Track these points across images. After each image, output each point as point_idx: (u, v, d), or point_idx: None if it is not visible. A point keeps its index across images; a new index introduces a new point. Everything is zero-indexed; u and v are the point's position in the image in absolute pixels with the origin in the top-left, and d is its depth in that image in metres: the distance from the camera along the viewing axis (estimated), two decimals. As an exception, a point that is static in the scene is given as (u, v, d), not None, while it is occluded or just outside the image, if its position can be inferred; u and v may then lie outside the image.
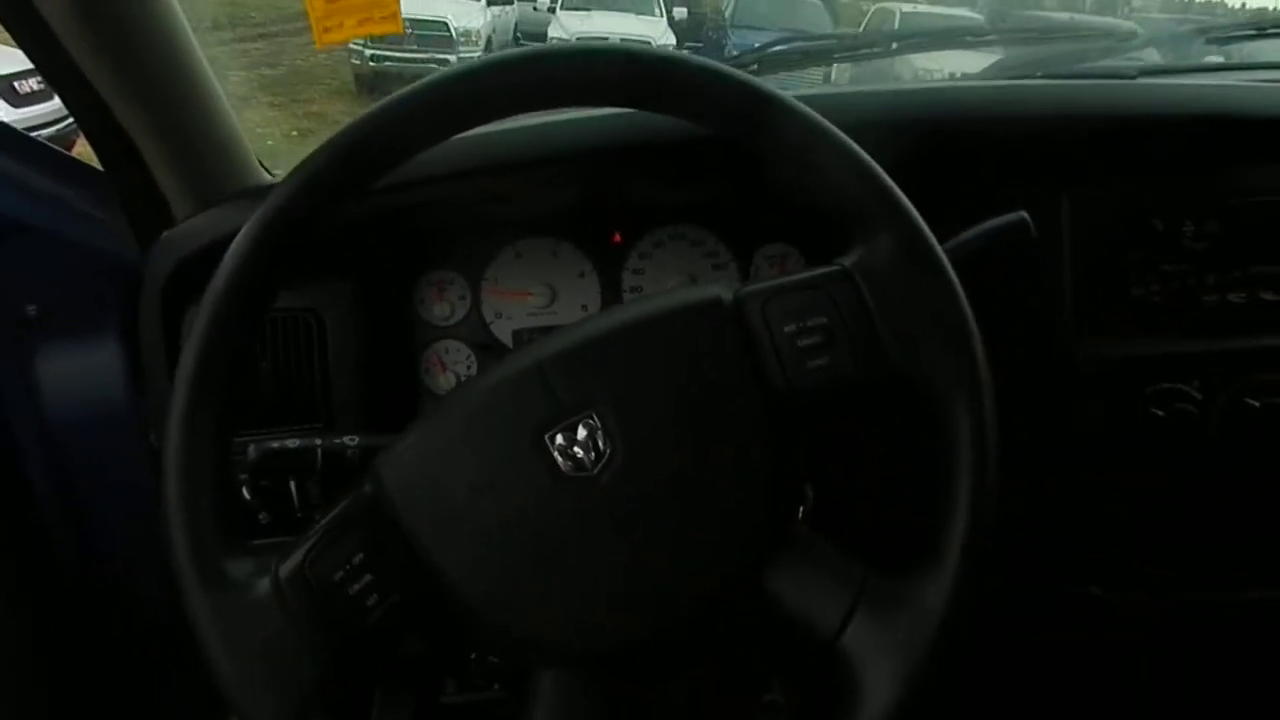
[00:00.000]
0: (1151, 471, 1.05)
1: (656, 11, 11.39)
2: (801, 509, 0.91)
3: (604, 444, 0.65)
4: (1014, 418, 1.05)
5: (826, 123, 0.68)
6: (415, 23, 9.14)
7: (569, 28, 10.17)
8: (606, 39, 9.07)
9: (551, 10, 11.28)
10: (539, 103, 0.69)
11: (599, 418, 0.65)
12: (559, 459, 0.64)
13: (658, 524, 0.65)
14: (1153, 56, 1.42)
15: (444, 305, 1.10)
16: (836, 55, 1.45)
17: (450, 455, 0.65)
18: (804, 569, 0.67)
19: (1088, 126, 1.01)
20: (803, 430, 0.71)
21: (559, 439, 0.64)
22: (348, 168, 0.68)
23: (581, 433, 0.65)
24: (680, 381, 0.67)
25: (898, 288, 0.67)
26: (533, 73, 0.67)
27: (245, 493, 0.83)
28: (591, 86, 0.68)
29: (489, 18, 10.62)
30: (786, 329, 0.68)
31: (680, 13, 11.81)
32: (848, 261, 0.69)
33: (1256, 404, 1.01)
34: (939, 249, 0.67)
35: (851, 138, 0.69)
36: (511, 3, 11.46)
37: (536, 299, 1.10)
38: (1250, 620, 1.14)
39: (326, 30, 1.04)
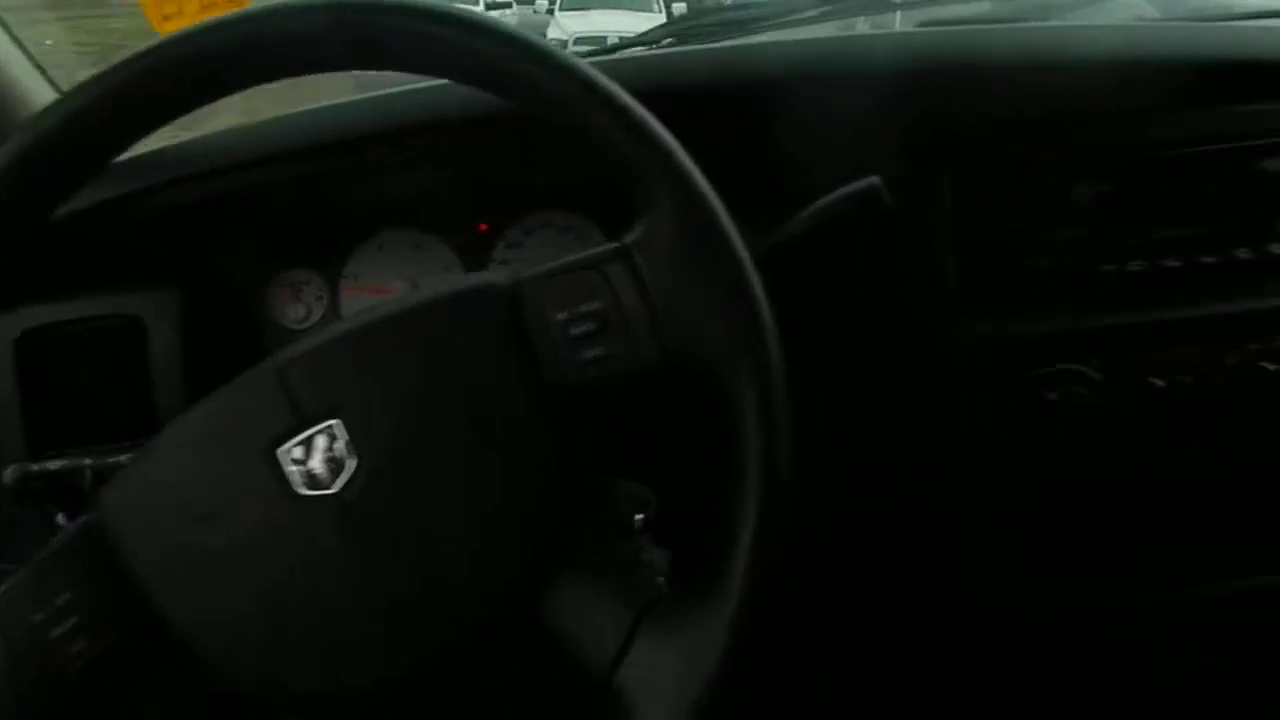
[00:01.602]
0: (1048, 464, 0.97)
1: (655, 8, 11.32)
2: (642, 516, 0.85)
3: (348, 456, 0.58)
4: (891, 409, 1.00)
5: (600, 77, 0.60)
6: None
7: (566, 28, 10.13)
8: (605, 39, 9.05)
9: (550, 12, 11.27)
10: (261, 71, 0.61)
11: (345, 426, 0.58)
12: (293, 476, 0.57)
13: (411, 545, 0.58)
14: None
15: (299, 307, 1.03)
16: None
17: (176, 480, 0.58)
18: (586, 590, 0.61)
19: (969, 77, 0.93)
20: (590, 429, 0.64)
21: (294, 453, 0.57)
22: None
23: (321, 444, 0.58)
24: (443, 381, 0.60)
25: (679, 266, 0.60)
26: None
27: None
28: (301, 46, 0.60)
29: (487, 21, 10.60)
30: (559, 316, 0.61)
31: (680, 8, 11.72)
32: (629, 238, 0.62)
33: (1161, 384, 0.93)
34: (725, 221, 0.59)
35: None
36: (511, 6, 11.45)
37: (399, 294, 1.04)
38: (1164, 625, 1.05)
39: (166, 18, 0.99)
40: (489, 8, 11.11)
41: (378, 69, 0.64)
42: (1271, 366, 0.92)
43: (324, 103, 1.03)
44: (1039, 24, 1.02)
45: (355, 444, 0.58)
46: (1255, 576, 1.04)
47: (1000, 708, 1.15)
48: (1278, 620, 1.08)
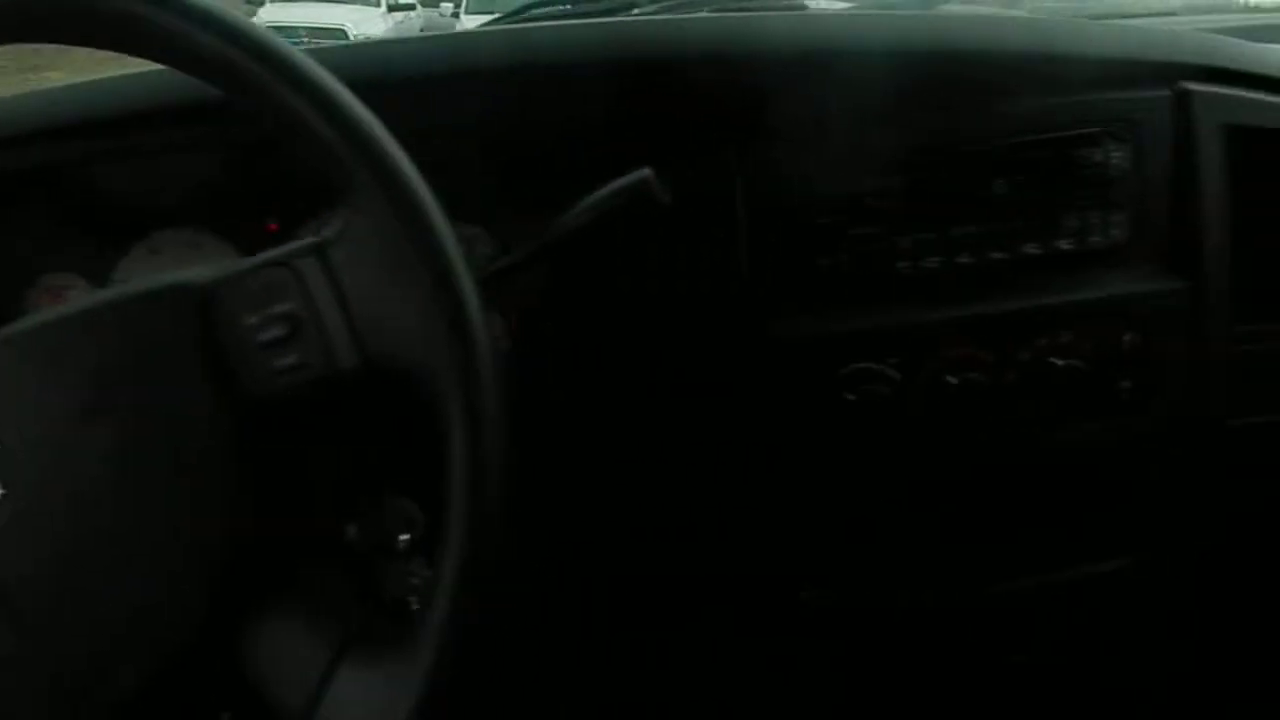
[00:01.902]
0: (854, 465, 0.96)
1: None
2: (407, 536, 0.80)
3: None
4: (692, 411, 0.98)
5: (295, 54, 0.54)
6: (312, 31, 8.89)
7: (272, 18, 9.39)
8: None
9: (455, 15, 11.11)
10: None
11: None
12: None
13: (70, 589, 0.51)
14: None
15: (60, 314, 0.95)
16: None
17: None
18: (288, 624, 0.55)
19: (758, 66, 0.91)
20: (301, 444, 0.59)
21: None
22: None
23: None
24: (119, 395, 0.54)
25: (379, 263, 0.55)
26: None
27: None
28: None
29: (390, 24, 10.39)
30: (250, 320, 0.55)
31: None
32: (328, 232, 0.57)
33: (954, 381, 0.92)
34: (431, 211, 0.55)
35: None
36: (415, 8, 11.24)
37: None
38: (973, 624, 1.06)
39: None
40: (391, 9, 10.95)
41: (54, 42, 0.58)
42: (1060, 362, 0.92)
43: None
44: (827, 10, 1.00)
45: (2, 474, 0.51)
46: (1070, 568, 1.05)
47: (838, 708, 1.14)
48: (1101, 609, 1.10)
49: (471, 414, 0.53)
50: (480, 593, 0.52)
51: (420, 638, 0.51)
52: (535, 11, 1.27)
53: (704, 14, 1.05)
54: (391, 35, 10.12)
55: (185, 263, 0.96)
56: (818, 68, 0.90)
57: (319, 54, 0.61)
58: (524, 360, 0.93)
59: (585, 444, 0.94)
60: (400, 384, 0.55)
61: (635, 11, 1.17)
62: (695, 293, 0.90)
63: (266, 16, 9.34)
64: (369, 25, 9.68)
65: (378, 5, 10.69)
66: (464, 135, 0.88)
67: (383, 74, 0.90)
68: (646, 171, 0.77)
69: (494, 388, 0.53)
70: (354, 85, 0.55)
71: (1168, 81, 0.95)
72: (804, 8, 1.00)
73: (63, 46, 0.59)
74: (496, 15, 1.32)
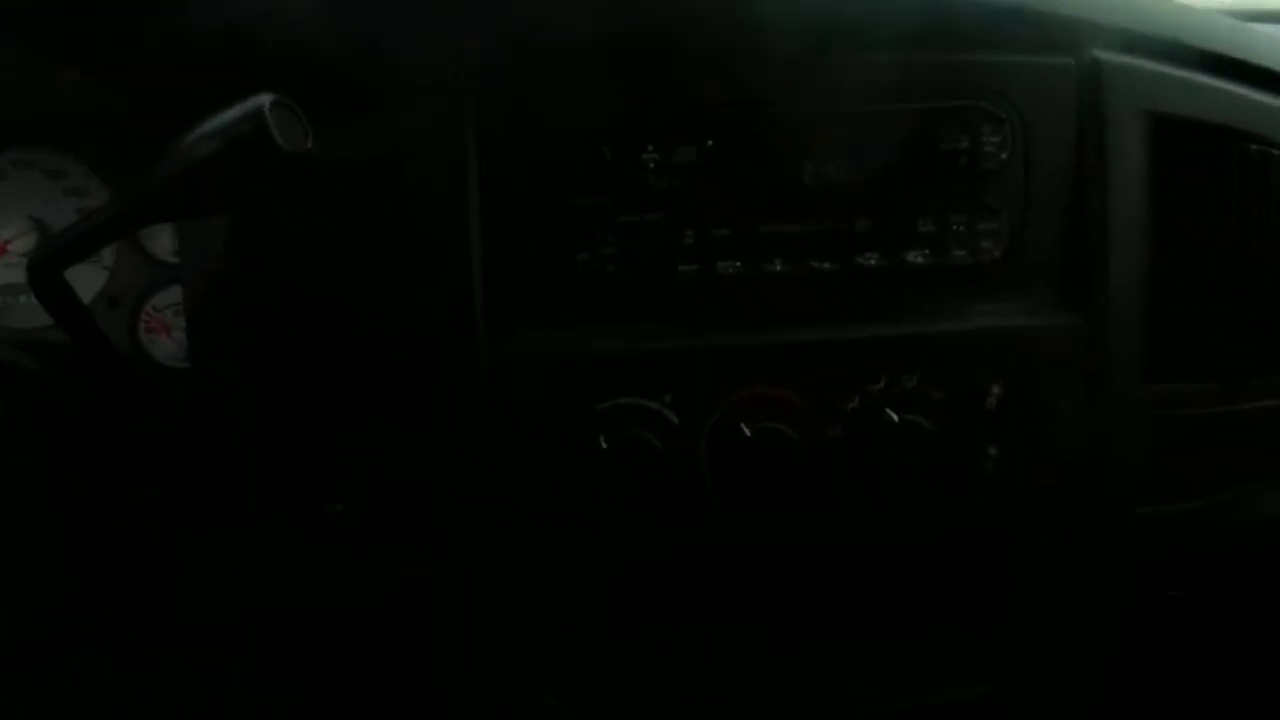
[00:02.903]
0: (608, 538, 0.70)
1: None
2: None
3: None
4: (403, 442, 0.73)
5: None
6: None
7: None
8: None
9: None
10: None
11: None
12: None
13: None
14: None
15: None
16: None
17: None
18: None
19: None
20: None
21: None
22: None
23: None
24: None
25: None
26: None
27: None
28: None
29: None
30: None
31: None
32: None
33: (753, 433, 0.67)
34: None
35: None
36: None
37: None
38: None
39: None
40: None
41: None
42: (898, 417, 0.67)
43: None
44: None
45: None
46: (914, 696, 0.80)
47: None
48: None
49: None
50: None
51: None
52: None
53: None
54: None
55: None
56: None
57: None
58: (198, 376, 0.69)
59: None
60: None
61: None
62: (402, 292, 0.66)
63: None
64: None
65: None
66: None
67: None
68: (263, 101, 0.52)
69: None
70: None
71: (1072, 47, 0.70)
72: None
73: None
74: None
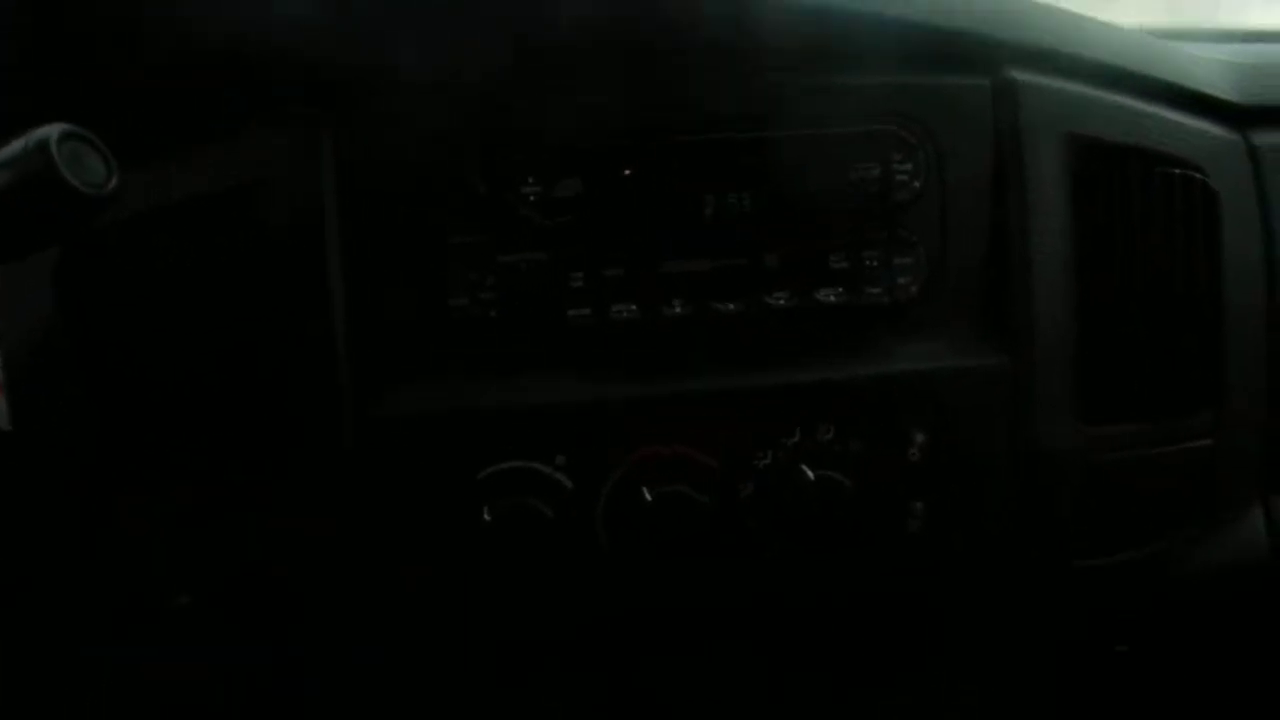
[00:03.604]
0: (492, 626, 0.62)
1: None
2: None
3: None
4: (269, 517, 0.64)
5: None
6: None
7: None
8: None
9: None
10: None
11: None
12: None
13: None
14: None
15: None
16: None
17: None
18: None
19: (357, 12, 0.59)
20: None
21: None
22: None
23: None
24: None
25: None
26: None
27: None
28: None
29: None
30: None
31: None
32: None
33: (656, 497, 0.60)
34: None
35: None
36: None
37: None
38: None
39: None
40: None
41: None
42: (813, 474, 0.61)
43: None
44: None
45: None
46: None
47: None
48: None
49: None
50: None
51: None
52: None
53: None
54: None
55: None
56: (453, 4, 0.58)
57: None
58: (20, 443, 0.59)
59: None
60: None
61: None
62: (252, 347, 0.58)
63: None
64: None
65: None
66: None
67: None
68: (51, 132, 0.44)
69: None
70: None
71: (986, 66, 0.65)
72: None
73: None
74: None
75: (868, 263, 0.62)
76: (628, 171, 0.60)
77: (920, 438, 0.63)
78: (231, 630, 0.61)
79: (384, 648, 0.62)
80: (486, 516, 0.58)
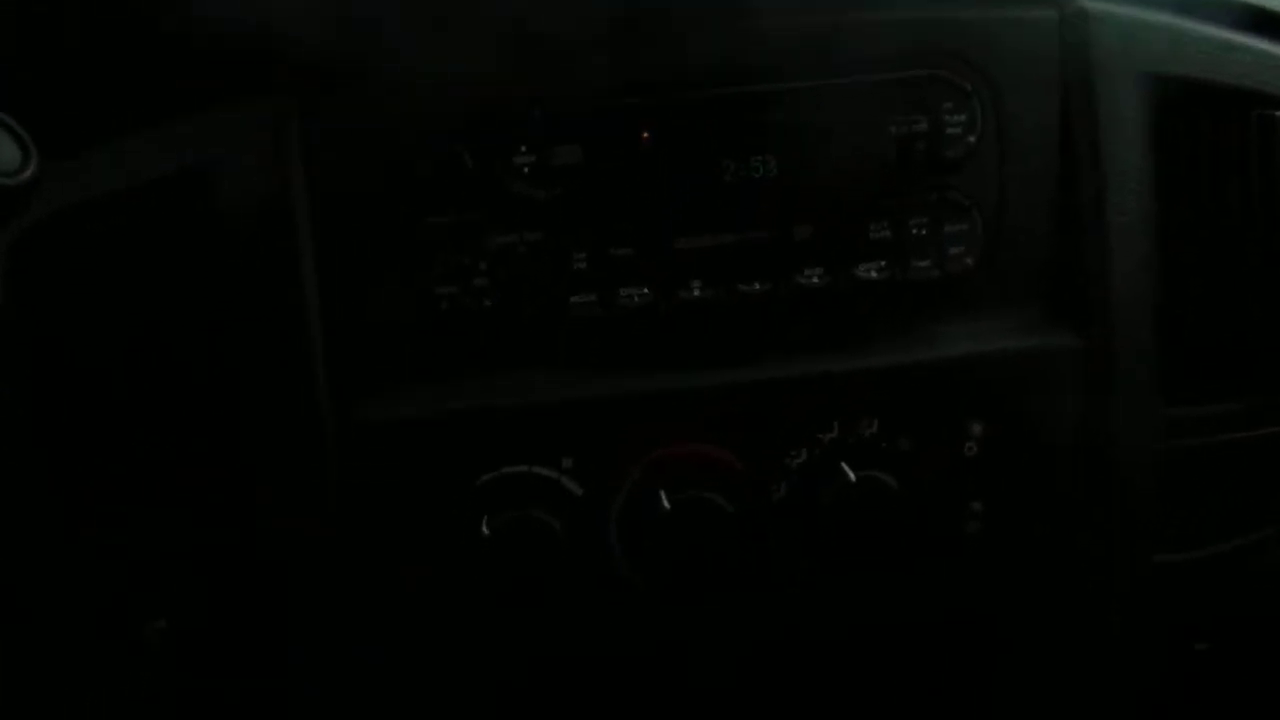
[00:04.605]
0: (506, 651, 0.56)
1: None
2: None
3: None
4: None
5: None
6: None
7: None
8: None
9: None
10: None
11: None
12: None
13: None
14: None
15: None
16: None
17: None
18: None
19: None
20: None
21: None
22: None
23: None
24: None
25: None
26: None
27: None
28: None
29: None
30: None
31: None
32: None
33: (674, 505, 0.53)
34: None
35: None
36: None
37: None
38: None
39: None
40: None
41: None
42: (855, 475, 0.53)
43: None
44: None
45: None
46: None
47: None
48: None
49: None
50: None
51: None
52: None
53: None
54: None
55: None
56: None
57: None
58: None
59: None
60: None
61: None
62: (219, 351, 0.52)
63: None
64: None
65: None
66: None
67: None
68: None
69: None
70: None
71: None
72: None
73: None
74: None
75: (914, 231, 0.54)
76: (632, 134, 0.52)
77: (978, 429, 0.55)
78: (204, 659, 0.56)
79: (374, 663, 0.57)
80: (485, 530, 0.52)
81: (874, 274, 0.54)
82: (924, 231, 0.54)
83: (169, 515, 0.54)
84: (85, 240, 0.52)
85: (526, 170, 0.52)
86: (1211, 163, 0.58)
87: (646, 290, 0.53)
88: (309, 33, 0.50)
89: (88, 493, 0.54)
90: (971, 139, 0.54)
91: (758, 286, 0.54)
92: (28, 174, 0.40)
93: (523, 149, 0.51)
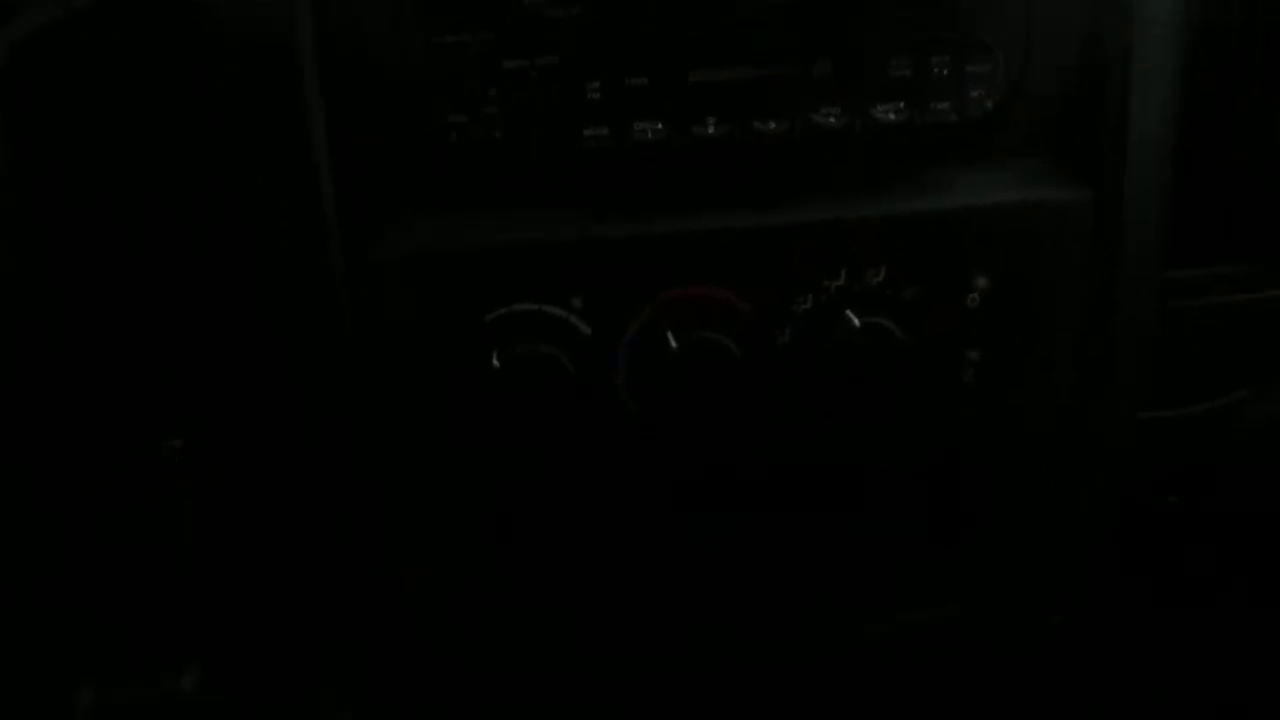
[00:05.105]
0: (508, 481, 0.58)
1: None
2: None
3: None
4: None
5: None
6: None
7: None
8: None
9: None
10: None
11: None
12: None
13: None
14: None
15: None
16: None
17: None
18: None
19: None
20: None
21: None
22: None
23: None
24: None
25: None
26: None
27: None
28: None
29: None
30: None
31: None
32: None
33: (681, 345, 0.53)
34: None
35: None
36: None
37: None
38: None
39: None
40: None
41: None
42: (859, 320, 0.54)
43: None
44: None
45: None
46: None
47: None
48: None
49: None
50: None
51: None
52: None
53: None
54: None
55: None
56: None
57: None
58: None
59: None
60: None
61: None
62: (224, 186, 0.51)
63: None
64: None
65: None
66: None
67: None
68: None
69: None
70: None
71: None
72: None
73: None
74: None
75: (936, 70, 0.53)
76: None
77: (982, 282, 0.55)
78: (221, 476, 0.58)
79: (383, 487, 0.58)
80: (495, 363, 0.53)
81: (891, 115, 0.53)
82: (945, 70, 0.53)
83: (191, 343, 0.54)
84: (75, 60, 0.50)
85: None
86: (1243, 13, 0.57)
87: (660, 125, 0.52)
88: None
89: (94, 316, 0.54)
90: None
91: (773, 125, 0.53)
92: None
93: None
